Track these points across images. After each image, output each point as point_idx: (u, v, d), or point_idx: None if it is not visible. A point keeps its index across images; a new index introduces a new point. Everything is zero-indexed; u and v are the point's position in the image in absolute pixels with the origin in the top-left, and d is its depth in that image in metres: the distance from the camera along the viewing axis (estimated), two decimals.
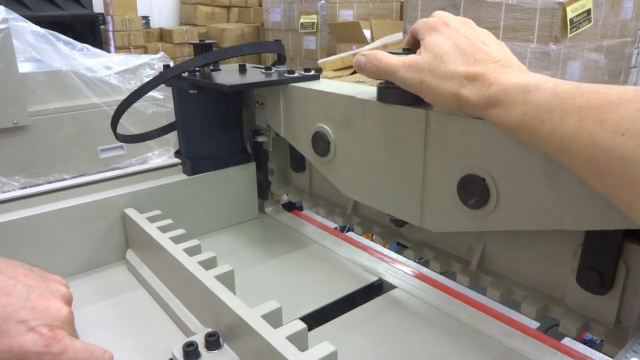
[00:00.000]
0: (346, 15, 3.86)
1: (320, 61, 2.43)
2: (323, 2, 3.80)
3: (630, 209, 0.31)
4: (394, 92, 0.51)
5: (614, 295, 0.43)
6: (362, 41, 3.12)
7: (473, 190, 0.46)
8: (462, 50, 0.42)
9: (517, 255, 0.50)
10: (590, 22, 2.28)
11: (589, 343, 0.56)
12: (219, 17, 4.91)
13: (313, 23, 3.84)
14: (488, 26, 2.33)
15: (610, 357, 0.43)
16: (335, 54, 2.78)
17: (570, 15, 2.19)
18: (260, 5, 4.66)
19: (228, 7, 4.97)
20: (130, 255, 0.64)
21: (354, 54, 2.53)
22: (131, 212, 0.63)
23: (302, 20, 3.89)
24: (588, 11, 2.28)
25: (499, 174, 0.44)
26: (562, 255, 0.46)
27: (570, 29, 2.21)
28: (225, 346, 0.44)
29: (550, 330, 0.54)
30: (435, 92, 0.42)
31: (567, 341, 0.52)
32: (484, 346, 0.50)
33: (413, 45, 0.49)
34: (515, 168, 0.43)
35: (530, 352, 0.49)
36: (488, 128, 0.44)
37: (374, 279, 0.63)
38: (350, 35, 3.27)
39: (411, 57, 0.45)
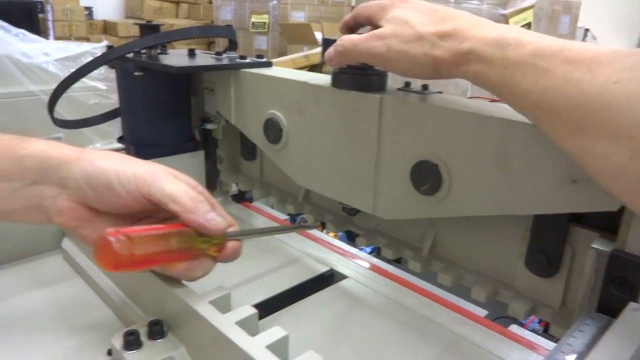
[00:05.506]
0: (298, 16, 3.85)
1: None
2: (275, 2, 3.78)
3: (606, 162, 0.30)
4: (348, 78, 0.51)
5: (560, 278, 0.44)
6: (313, 43, 3.12)
7: (426, 177, 0.46)
8: (427, 14, 0.40)
9: (468, 241, 0.51)
10: None
11: (533, 331, 0.58)
12: (167, 12, 4.77)
13: (264, 23, 3.81)
14: None
15: (557, 337, 0.44)
16: (286, 54, 2.76)
17: None
18: (211, 2, 4.56)
19: (177, 3, 4.84)
20: (67, 243, 0.60)
21: (305, 56, 2.52)
22: None
23: (253, 19, 3.84)
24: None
25: (451, 160, 0.44)
26: (511, 240, 0.47)
27: None
28: (170, 335, 0.41)
29: (498, 320, 0.55)
30: (405, 56, 0.40)
31: (514, 328, 0.53)
32: (434, 333, 0.50)
33: (352, 31, 0.48)
34: (467, 154, 0.43)
35: (480, 339, 0.49)
36: (441, 114, 0.44)
37: (325, 269, 0.62)
38: (301, 36, 3.27)
39: (374, 31, 0.43)
